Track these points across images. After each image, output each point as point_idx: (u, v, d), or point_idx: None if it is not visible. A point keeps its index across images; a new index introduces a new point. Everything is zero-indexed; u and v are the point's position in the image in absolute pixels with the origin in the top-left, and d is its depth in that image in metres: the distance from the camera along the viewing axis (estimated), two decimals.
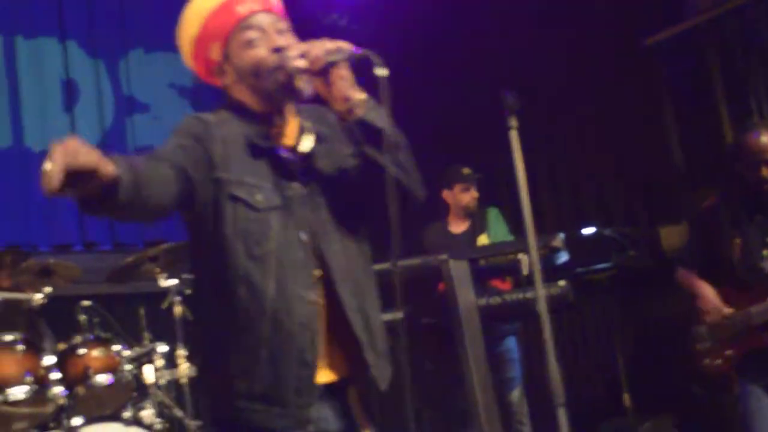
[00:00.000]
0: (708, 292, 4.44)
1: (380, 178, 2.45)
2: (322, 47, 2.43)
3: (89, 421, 4.71)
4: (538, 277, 3.11)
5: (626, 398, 5.66)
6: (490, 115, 6.97)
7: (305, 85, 2.47)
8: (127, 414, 5.00)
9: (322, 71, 2.43)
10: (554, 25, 7.18)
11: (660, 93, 6.72)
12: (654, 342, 6.31)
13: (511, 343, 5.60)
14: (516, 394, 5.43)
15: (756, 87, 6.19)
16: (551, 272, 5.24)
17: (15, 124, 6.92)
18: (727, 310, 4.37)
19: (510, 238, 5.64)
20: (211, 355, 2.48)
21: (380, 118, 2.46)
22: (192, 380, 5.12)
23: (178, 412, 5.28)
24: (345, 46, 2.44)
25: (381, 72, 2.41)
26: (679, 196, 6.52)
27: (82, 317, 5.18)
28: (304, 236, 2.45)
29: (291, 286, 2.40)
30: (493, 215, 5.83)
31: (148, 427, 4.88)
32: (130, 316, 5.92)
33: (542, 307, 3.26)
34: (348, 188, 2.54)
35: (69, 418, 4.81)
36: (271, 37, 2.51)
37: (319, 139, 2.56)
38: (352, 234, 2.55)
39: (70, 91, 7.20)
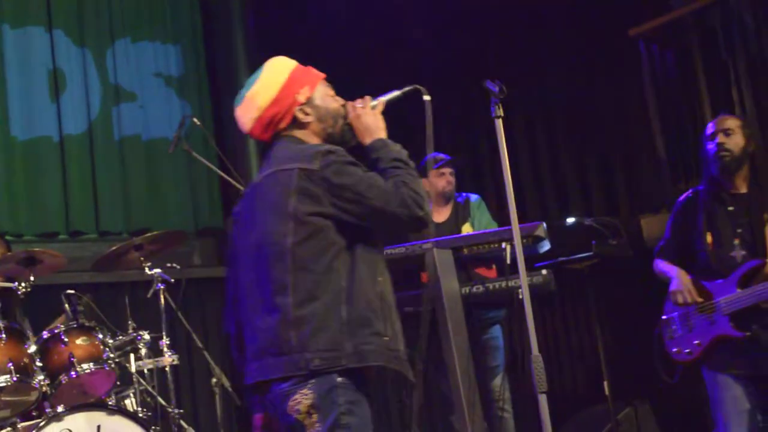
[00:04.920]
0: (683, 279, 4.46)
1: None
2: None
3: (72, 409, 4.72)
4: (522, 265, 3.12)
5: (606, 386, 5.70)
6: (474, 104, 7.02)
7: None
8: (110, 402, 5.01)
9: None
10: (539, 15, 7.20)
11: (643, 83, 6.74)
12: (634, 330, 6.35)
13: (496, 331, 5.63)
14: (498, 381, 5.45)
15: (738, 78, 6.23)
16: (533, 261, 5.27)
17: (1, 113, 6.90)
18: (699, 300, 4.41)
19: (493, 226, 5.65)
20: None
21: None
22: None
23: (162, 401, 5.30)
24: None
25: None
26: (661, 187, 6.56)
27: (66, 306, 5.17)
28: None
29: None
30: (476, 204, 5.85)
31: (132, 415, 4.89)
32: (114, 305, 5.94)
33: (526, 296, 3.28)
34: None
35: (52, 406, 4.81)
36: (336, 97, 3.24)
37: None
38: None
39: (56, 81, 7.18)
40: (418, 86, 3.19)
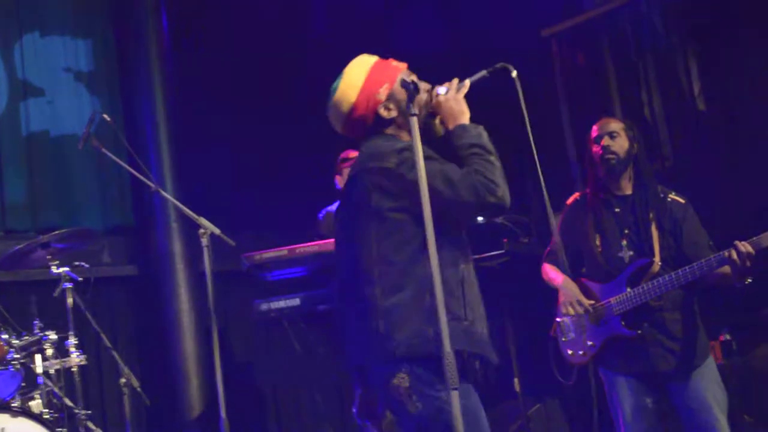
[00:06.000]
0: (569, 285, 4.55)
1: None
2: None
3: None
4: (434, 264, 3.12)
5: (516, 383, 5.76)
6: None
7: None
8: (15, 404, 4.90)
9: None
10: (448, 11, 7.22)
11: (555, 84, 6.82)
12: (544, 328, 6.43)
13: None
14: None
15: (647, 79, 6.34)
16: None
17: None
18: (589, 302, 4.47)
19: None
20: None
21: None
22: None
23: (68, 402, 5.19)
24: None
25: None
26: (570, 186, 6.65)
27: None
28: None
29: None
30: None
31: (37, 417, 4.79)
32: (20, 305, 5.80)
33: (438, 293, 3.28)
34: None
35: None
36: (421, 83, 3.27)
37: None
38: None
39: None
40: (505, 64, 3.27)
